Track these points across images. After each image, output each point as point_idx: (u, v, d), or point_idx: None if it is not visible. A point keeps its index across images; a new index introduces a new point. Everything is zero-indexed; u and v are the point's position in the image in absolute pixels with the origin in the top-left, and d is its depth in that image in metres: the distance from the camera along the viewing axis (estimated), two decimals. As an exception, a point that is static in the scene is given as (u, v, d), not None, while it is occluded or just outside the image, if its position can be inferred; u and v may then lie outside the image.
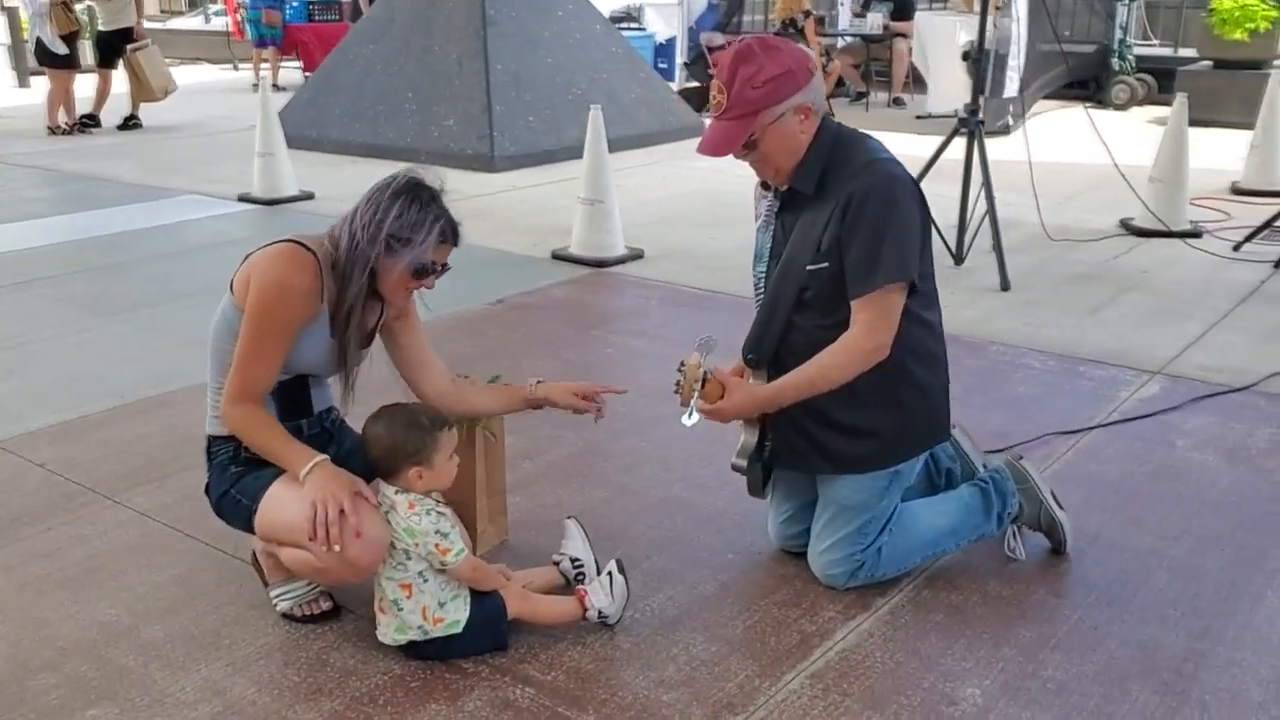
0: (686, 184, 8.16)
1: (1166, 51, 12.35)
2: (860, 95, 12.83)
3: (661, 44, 12.65)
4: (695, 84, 11.95)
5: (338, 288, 2.48)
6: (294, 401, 2.58)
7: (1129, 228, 6.62)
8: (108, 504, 3.24)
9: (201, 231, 6.76)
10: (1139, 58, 11.97)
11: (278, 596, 2.67)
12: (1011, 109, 10.12)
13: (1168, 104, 11.42)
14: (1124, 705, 2.36)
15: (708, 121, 2.71)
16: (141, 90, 10.80)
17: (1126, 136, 9.36)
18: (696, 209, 7.35)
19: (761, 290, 2.75)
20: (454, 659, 2.49)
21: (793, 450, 2.76)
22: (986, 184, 5.70)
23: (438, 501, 2.48)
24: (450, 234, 2.56)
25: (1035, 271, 5.75)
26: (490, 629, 2.50)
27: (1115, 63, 11.77)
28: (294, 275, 2.47)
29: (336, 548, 2.33)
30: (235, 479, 2.56)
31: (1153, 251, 6.19)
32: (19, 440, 3.67)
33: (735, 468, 2.78)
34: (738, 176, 8.67)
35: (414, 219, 2.49)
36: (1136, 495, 3.31)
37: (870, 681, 2.44)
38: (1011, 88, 10.02)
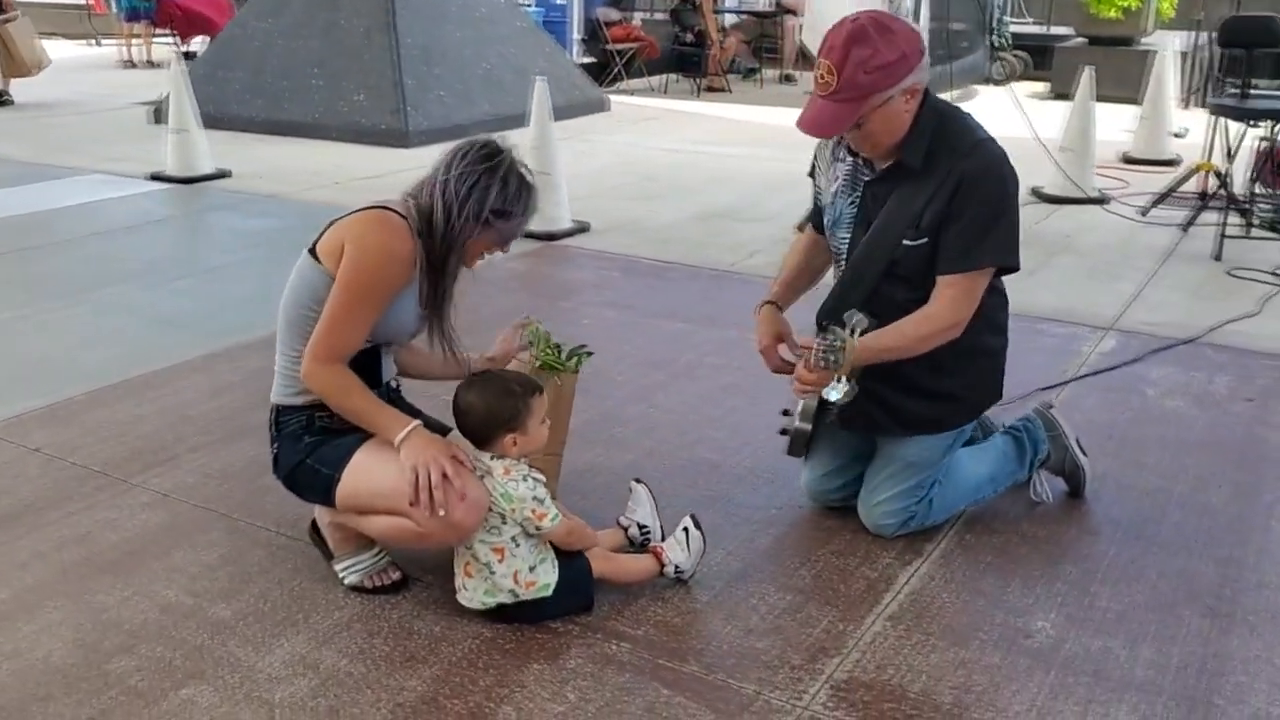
0: (603, 158, 8.18)
1: (1040, 29, 12.90)
2: (751, 71, 13.04)
3: (551, 20, 12.58)
4: (591, 59, 11.95)
5: (428, 257, 2.45)
6: (365, 370, 2.54)
7: (1040, 195, 6.92)
8: (124, 486, 3.12)
9: (123, 211, 6.46)
10: (1014, 35, 12.49)
11: (346, 569, 2.62)
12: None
13: (1044, 80, 12.17)
14: (1180, 629, 2.53)
15: (806, 96, 2.64)
16: (13, 65, 10.24)
17: (1012, 111, 9.78)
18: (626, 183, 7.40)
19: (843, 257, 2.78)
20: (542, 620, 2.50)
21: (863, 414, 2.75)
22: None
23: (530, 466, 2.48)
24: (536, 204, 2.56)
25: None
26: (578, 589, 2.52)
27: (994, 39, 12.24)
28: (397, 242, 2.43)
29: (441, 512, 2.32)
30: (311, 449, 2.51)
31: (1069, 217, 6.50)
32: (6, 426, 3.49)
33: (795, 431, 2.78)
34: (655, 149, 8.85)
35: (514, 191, 2.48)
36: (1126, 440, 3.52)
37: (946, 620, 2.56)
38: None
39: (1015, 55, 12.30)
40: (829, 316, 2.71)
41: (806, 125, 2.60)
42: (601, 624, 2.51)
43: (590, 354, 2.93)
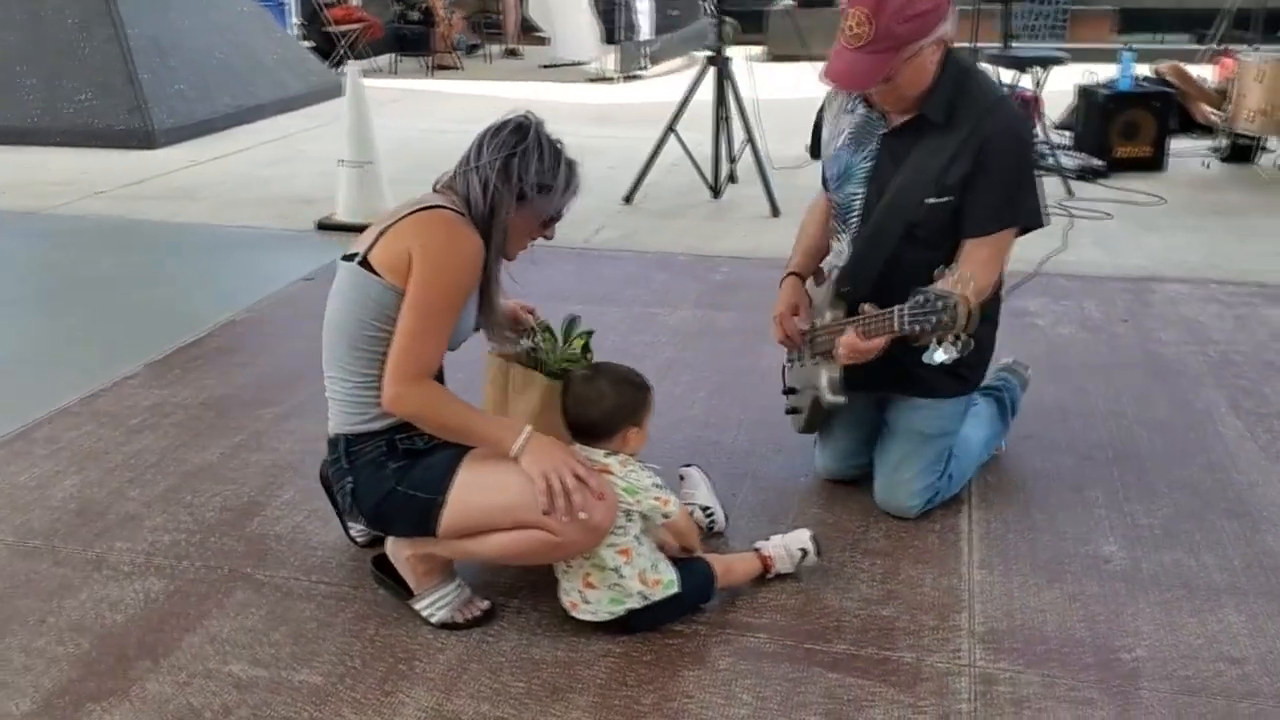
0: (377, 144, 7.75)
1: (746, -6, 13.42)
2: (473, 47, 12.80)
3: (267, 4, 11.76)
4: (312, 44, 11.30)
5: None
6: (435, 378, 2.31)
7: (757, 151, 7.05)
8: (90, 556, 2.66)
9: None
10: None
11: (432, 605, 2.38)
12: (645, 52, 10.59)
13: (757, 43, 12.69)
14: (1221, 533, 2.75)
15: (833, 49, 2.50)
16: None
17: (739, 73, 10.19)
18: (419, 167, 7.04)
19: (854, 215, 2.70)
20: (664, 624, 2.37)
21: (883, 379, 2.69)
22: (744, 118, 6.01)
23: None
24: (579, 180, 2.40)
25: (790, 198, 6.13)
26: (702, 587, 2.41)
27: (707, 6, 12.62)
28: (468, 243, 2.24)
29: (582, 515, 2.16)
30: (400, 474, 2.26)
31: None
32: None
33: (830, 405, 2.68)
34: (424, 130, 8.45)
35: (550, 163, 2.33)
36: (1056, 369, 3.76)
37: (1030, 559, 2.64)
38: (645, 31, 10.48)
39: (728, 21, 12.73)
40: (850, 283, 2.65)
41: (839, 78, 2.50)
42: (723, 619, 2.42)
43: (591, 332, 2.73)
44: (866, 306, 2.50)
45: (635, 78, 10.54)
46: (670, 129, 6.03)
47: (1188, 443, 3.22)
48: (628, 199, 6.06)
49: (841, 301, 2.67)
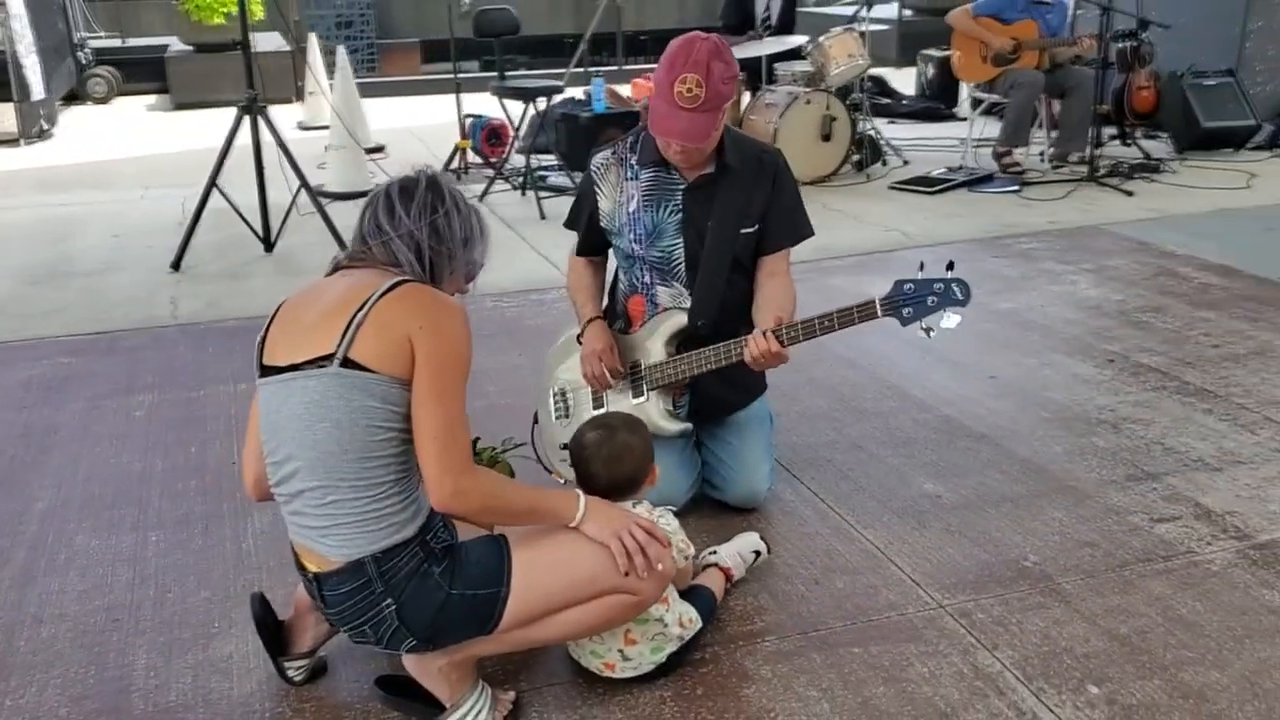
0: None
1: (118, 42, 12.41)
2: None
3: None
4: None
5: None
6: None
7: (326, 194, 6.92)
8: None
9: None
10: (100, 50, 11.90)
11: (471, 712, 2.17)
12: (43, 112, 9.41)
13: (148, 92, 11.79)
14: (970, 454, 3.37)
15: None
16: None
17: (139, 126, 9.69)
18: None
19: (678, 263, 2.93)
20: (688, 656, 2.39)
21: (716, 399, 3.01)
22: (293, 165, 5.72)
23: None
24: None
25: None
26: (712, 611, 2.47)
27: (79, 57, 11.50)
28: (460, 310, 2.09)
29: (660, 566, 2.15)
30: (447, 579, 2.05)
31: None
32: None
33: (676, 433, 2.89)
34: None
35: (466, 213, 2.22)
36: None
37: (885, 509, 3.04)
38: (38, 91, 9.30)
39: (109, 71, 11.70)
40: (704, 314, 2.88)
41: (685, 136, 2.73)
42: (725, 637, 2.49)
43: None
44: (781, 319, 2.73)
45: (46, 136, 9.37)
46: (213, 183, 5.56)
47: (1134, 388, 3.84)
48: (175, 265, 5.49)
49: (675, 339, 2.92)
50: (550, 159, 7.39)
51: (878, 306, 2.60)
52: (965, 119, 7.81)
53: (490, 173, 6.97)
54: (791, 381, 3.72)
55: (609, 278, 3.19)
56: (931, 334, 2.56)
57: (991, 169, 7.02)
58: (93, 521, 3.05)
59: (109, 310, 4.89)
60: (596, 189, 3.00)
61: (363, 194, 7.09)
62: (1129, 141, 7.63)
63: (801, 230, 3.02)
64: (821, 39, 7.03)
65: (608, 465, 2.33)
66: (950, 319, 2.54)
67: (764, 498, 3.06)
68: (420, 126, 9.34)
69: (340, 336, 1.99)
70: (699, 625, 2.37)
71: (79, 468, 3.37)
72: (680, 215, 2.91)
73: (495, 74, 7.69)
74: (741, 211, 2.90)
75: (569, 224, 3.17)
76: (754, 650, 2.45)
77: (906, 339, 2.69)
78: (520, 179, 6.85)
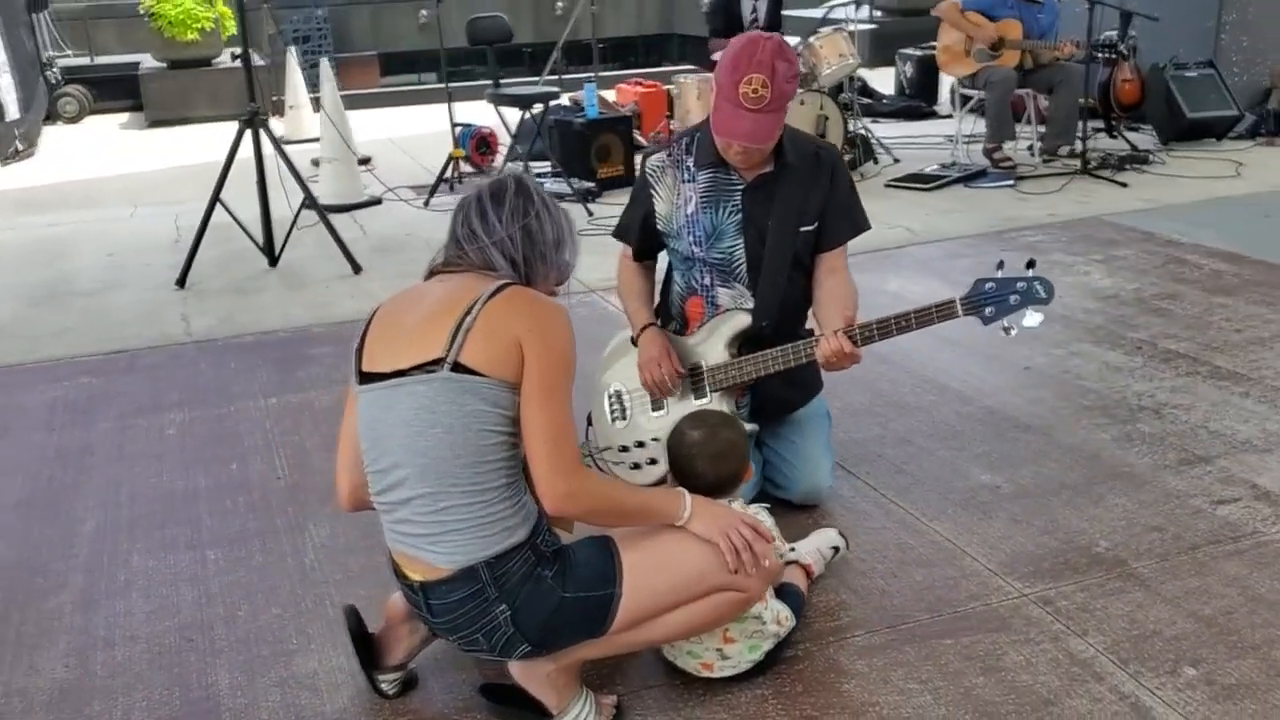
0: None
1: (85, 60, 12.22)
2: None
3: None
4: None
5: None
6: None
7: (331, 208, 6.78)
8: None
9: None
10: (69, 69, 11.71)
11: (581, 716, 2.15)
12: (19, 132, 9.25)
13: (120, 110, 11.62)
14: (1018, 444, 3.38)
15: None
16: None
17: (115, 145, 9.57)
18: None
19: (739, 263, 2.90)
20: (781, 654, 2.38)
21: (777, 399, 3.00)
22: (297, 178, 5.65)
23: None
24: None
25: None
26: (801, 607, 2.46)
27: (48, 76, 11.32)
28: (562, 310, 2.09)
29: (766, 562, 2.15)
30: (560, 582, 2.03)
31: (375, 217, 6.66)
32: None
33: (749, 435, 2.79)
34: None
35: (557, 215, 2.22)
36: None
37: (946, 501, 3.04)
38: (12, 111, 9.14)
39: (80, 91, 11.53)
40: (767, 315, 2.86)
41: (751, 138, 2.71)
42: (814, 633, 2.48)
43: None
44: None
45: (24, 157, 9.20)
46: (216, 198, 5.48)
47: (1164, 378, 3.85)
48: (181, 282, 5.40)
49: (737, 340, 2.88)
50: (546, 166, 7.36)
51: (959, 306, 2.59)
52: (946, 116, 7.88)
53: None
54: (826, 378, 3.70)
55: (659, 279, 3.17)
56: (1012, 332, 2.56)
57: (983, 164, 7.08)
58: (145, 542, 2.99)
59: (118, 329, 4.80)
60: (653, 191, 2.97)
61: (357, 206, 7.10)
62: (1114, 134, 7.72)
63: (859, 224, 3.01)
64: (812, 39, 7.06)
65: (713, 463, 2.31)
66: (1033, 317, 2.54)
67: (827, 494, 3.05)
68: (401, 137, 9.26)
69: (449, 340, 1.97)
70: (793, 623, 2.36)
71: (121, 488, 3.31)
72: (740, 215, 2.89)
73: (467, 83, 7.62)
74: (800, 209, 2.88)
75: (619, 234, 3.12)
76: (845, 645, 2.44)
77: (928, 331, 2.69)
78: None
